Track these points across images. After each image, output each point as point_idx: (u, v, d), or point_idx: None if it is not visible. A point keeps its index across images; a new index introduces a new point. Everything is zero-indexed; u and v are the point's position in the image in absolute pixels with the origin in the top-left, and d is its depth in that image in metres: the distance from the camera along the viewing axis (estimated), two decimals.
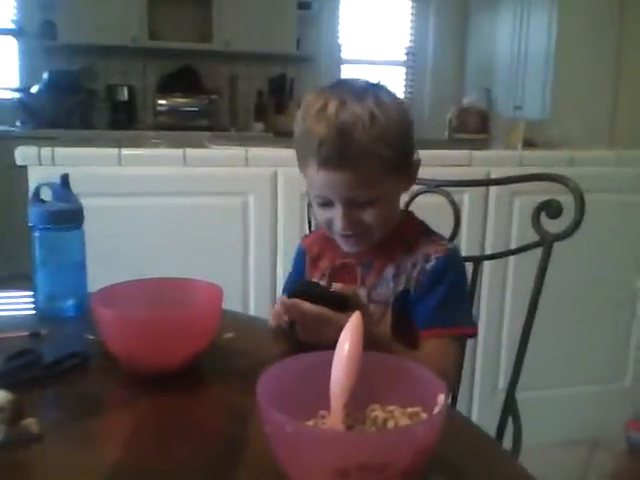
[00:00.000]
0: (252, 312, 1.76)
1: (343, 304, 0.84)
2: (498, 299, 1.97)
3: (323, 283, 0.99)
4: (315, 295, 0.84)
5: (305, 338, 0.85)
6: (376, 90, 0.93)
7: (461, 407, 1.93)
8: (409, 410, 0.56)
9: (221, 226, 1.79)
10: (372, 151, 0.89)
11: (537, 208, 1.03)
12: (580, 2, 3.60)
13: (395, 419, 0.56)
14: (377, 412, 0.58)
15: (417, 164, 0.98)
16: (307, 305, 0.83)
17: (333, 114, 0.88)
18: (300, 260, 1.11)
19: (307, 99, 0.95)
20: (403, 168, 0.95)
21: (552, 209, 1.01)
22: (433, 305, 0.94)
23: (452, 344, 0.95)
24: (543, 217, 1.04)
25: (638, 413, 2.07)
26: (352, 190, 0.91)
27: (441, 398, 0.52)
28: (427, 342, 0.93)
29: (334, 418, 0.55)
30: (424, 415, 0.54)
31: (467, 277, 1.06)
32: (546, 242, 1.02)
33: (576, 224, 0.97)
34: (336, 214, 0.94)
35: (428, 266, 0.96)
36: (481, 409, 2.00)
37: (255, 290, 1.82)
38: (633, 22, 3.56)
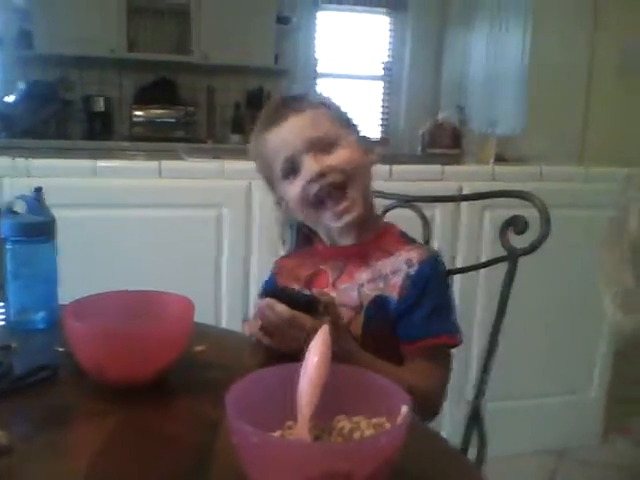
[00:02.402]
0: (224, 325, 1.76)
1: (315, 308, 0.83)
2: (469, 312, 1.99)
3: (303, 290, 0.97)
4: (288, 297, 0.84)
5: (273, 342, 0.84)
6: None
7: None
8: (374, 421, 0.58)
9: (195, 238, 1.79)
10: (318, 103, 1.00)
11: (504, 224, 1.06)
12: (553, 21, 3.68)
13: (361, 430, 0.58)
14: (343, 423, 0.59)
15: (373, 142, 1.08)
16: (280, 306, 0.82)
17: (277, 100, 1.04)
18: (271, 278, 1.11)
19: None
20: (352, 127, 1.02)
21: (518, 225, 1.04)
22: (424, 315, 0.93)
23: (443, 356, 0.96)
24: (511, 232, 1.07)
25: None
26: (311, 130, 0.95)
27: (404, 409, 0.54)
28: (415, 358, 0.93)
29: (300, 429, 0.57)
30: (388, 425, 0.56)
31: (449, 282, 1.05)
32: (512, 257, 1.05)
33: (540, 240, 1.00)
34: (305, 172, 0.95)
35: (411, 272, 0.94)
36: (451, 421, 2.01)
37: (228, 303, 1.82)
38: (604, 41, 3.66)
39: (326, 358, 0.59)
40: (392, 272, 0.96)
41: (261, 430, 0.51)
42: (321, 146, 0.95)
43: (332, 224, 0.99)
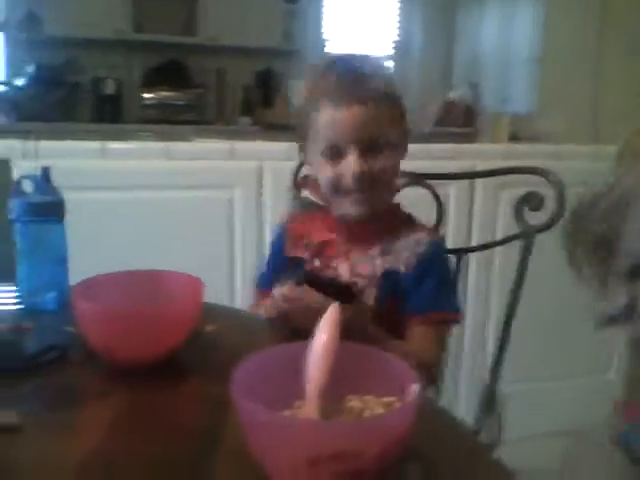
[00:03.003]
0: (238, 305, 1.75)
1: (348, 295, 0.85)
2: (484, 291, 1.98)
3: (308, 259, 1.01)
4: (324, 285, 0.85)
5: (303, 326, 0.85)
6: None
7: (446, 400, 1.96)
8: (384, 400, 0.57)
9: (207, 220, 1.78)
10: (387, 93, 0.94)
11: (519, 200, 1.04)
12: (564, 1, 3.63)
13: (371, 409, 0.57)
14: (353, 402, 0.58)
15: (409, 134, 1.02)
16: (316, 295, 0.84)
17: (342, 65, 0.94)
18: (279, 240, 1.11)
19: (309, 68, 1.02)
20: (404, 125, 0.99)
21: (533, 202, 1.02)
22: (428, 290, 0.97)
23: (442, 331, 0.99)
24: (526, 210, 1.05)
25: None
26: (371, 127, 0.92)
27: (414, 388, 0.53)
28: (418, 329, 0.96)
29: (309, 408, 0.56)
30: (398, 404, 0.55)
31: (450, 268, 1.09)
32: (528, 234, 1.03)
33: (557, 216, 0.98)
34: (347, 165, 0.94)
35: (419, 250, 0.98)
36: (467, 402, 2.01)
37: (241, 284, 1.82)
38: (615, 18, 3.61)
39: (335, 337, 0.58)
40: (402, 249, 0.99)
41: (269, 409, 0.51)
42: (370, 145, 0.94)
43: (350, 210, 1.00)
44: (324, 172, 0.98)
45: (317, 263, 1.01)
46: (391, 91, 0.95)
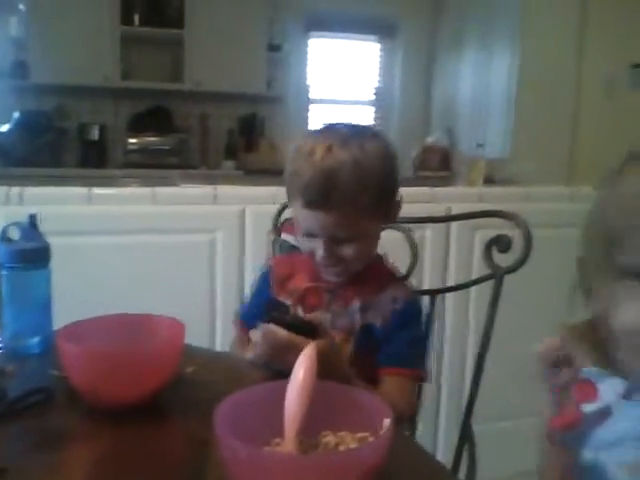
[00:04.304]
0: (219, 348, 1.77)
1: (314, 333, 0.88)
2: (461, 330, 2.01)
3: (290, 304, 1.04)
4: (288, 323, 0.89)
5: (275, 364, 0.88)
6: (362, 135, 0.99)
7: (426, 437, 1.96)
8: (359, 435, 0.60)
9: (189, 263, 1.81)
10: (353, 195, 0.94)
11: (488, 243, 1.09)
12: (540, 44, 3.76)
13: (346, 444, 0.60)
14: (329, 437, 0.61)
15: (398, 204, 1.05)
16: (281, 332, 0.88)
17: (319, 159, 0.95)
18: (264, 281, 1.15)
19: (298, 142, 1.01)
20: (383, 209, 1.01)
21: (502, 244, 1.06)
22: (401, 347, 1.00)
23: (411, 384, 1.02)
24: (496, 252, 1.10)
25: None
26: (333, 228, 0.97)
27: (386, 422, 0.56)
28: (389, 379, 0.99)
29: (287, 444, 0.58)
30: (372, 439, 0.58)
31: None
32: (497, 275, 1.07)
33: (523, 257, 1.02)
34: (318, 246, 0.99)
35: (397, 307, 1.02)
36: (446, 439, 2.02)
37: (222, 326, 1.83)
38: (591, 63, 3.73)
39: (312, 374, 0.61)
40: (380, 304, 1.03)
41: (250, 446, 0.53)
42: (338, 240, 0.99)
43: (326, 276, 1.05)
44: (302, 241, 1.03)
45: (300, 310, 1.04)
46: (370, 181, 0.96)
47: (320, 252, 0.99)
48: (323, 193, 0.94)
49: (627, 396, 0.60)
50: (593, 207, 0.68)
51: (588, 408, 0.61)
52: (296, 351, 0.83)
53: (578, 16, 3.74)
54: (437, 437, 2.04)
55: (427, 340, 1.12)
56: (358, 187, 0.94)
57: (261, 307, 0.97)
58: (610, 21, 3.58)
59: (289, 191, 1.01)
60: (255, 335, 0.92)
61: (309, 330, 0.88)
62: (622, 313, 0.59)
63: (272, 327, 0.88)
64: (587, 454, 0.61)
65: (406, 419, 1.04)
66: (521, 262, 1.03)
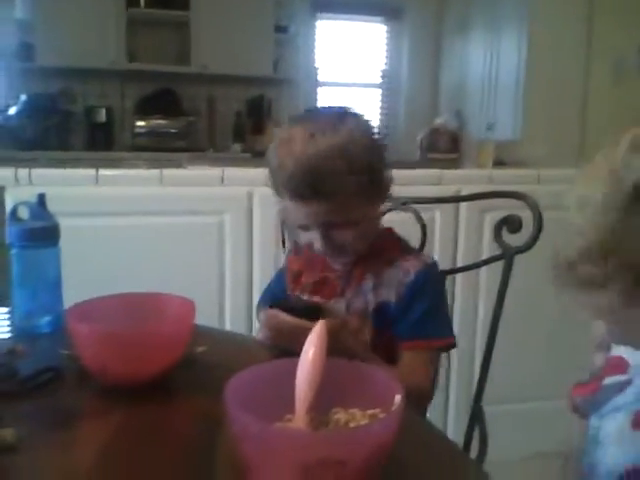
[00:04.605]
0: (228, 328, 1.78)
1: (318, 315, 0.87)
2: (471, 312, 2.01)
3: (305, 297, 1.04)
4: (291, 306, 0.90)
5: (281, 345, 0.89)
6: (344, 119, 0.96)
7: (436, 419, 1.97)
8: (369, 412, 0.60)
9: (197, 245, 1.81)
10: (340, 182, 0.93)
11: (498, 223, 1.08)
12: (549, 26, 3.72)
13: (356, 421, 0.60)
14: (340, 415, 0.61)
15: (389, 182, 1.02)
16: (284, 316, 0.89)
17: (301, 149, 0.92)
18: (282, 275, 1.16)
19: (278, 132, 0.99)
20: (374, 190, 0.99)
21: (512, 224, 1.06)
22: (415, 318, 0.99)
23: (430, 356, 1.01)
24: (505, 232, 1.09)
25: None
26: (327, 216, 0.95)
27: (397, 399, 0.56)
28: (407, 354, 0.98)
29: (298, 421, 0.58)
30: (382, 416, 0.58)
31: (445, 290, 1.11)
32: (507, 255, 1.07)
33: (534, 237, 1.02)
34: (315, 237, 0.98)
35: (408, 280, 1.00)
36: (456, 421, 2.03)
37: (231, 307, 1.84)
38: (600, 46, 3.69)
39: (322, 352, 0.61)
40: (392, 280, 1.02)
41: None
42: (335, 226, 0.98)
43: (332, 263, 1.05)
44: (299, 234, 1.03)
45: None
46: (355, 165, 0.93)
47: (318, 243, 0.99)
48: (309, 184, 0.92)
49: None
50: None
51: (612, 380, 0.61)
52: (302, 332, 0.84)
53: None
54: (447, 419, 2.04)
55: (445, 306, 1.07)
56: (344, 173, 0.92)
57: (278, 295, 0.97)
58: (619, 4, 3.53)
59: (274, 185, 0.99)
60: (262, 318, 0.92)
61: (312, 311, 0.89)
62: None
63: (274, 311, 0.89)
64: (594, 421, 0.62)
65: (427, 392, 1.01)
66: (532, 242, 1.02)
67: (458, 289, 1.98)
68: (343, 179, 0.92)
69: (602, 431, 0.61)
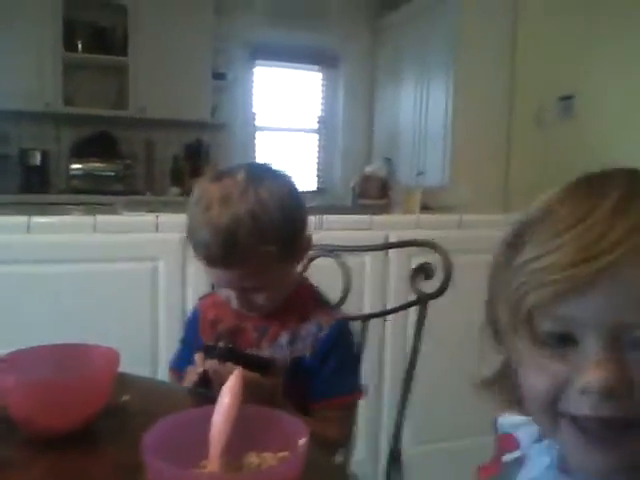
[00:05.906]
0: (161, 376, 1.78)
1: (267, 369, 0.93)
2: (398, 355, 2.06)
3: (221, 345, 1.03)
4: (242, 359, 0.92)
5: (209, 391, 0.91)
6: (260, 181, 0.97)
7: (367, 466, 1.98)
8: (279, 455, 0.64)
9: (131, 291, 1.81)
10: (254, 249, 0.95)
11: (413, 270, 1.16)
12: (473, 76, 3.94)
13: (267, 463, 0.64)
14: (252, 458, 0.65)
15: (307, 243, 1.05)
16: (245, 372, 0.88)
17: (216, 215, 0.94)
18: (194, 321, 1.16)
19: (194, 193, 1.00)
20: (289, 254, 1.02)
21: (426, 271, 1.13)
22: (327, 374, 1.02)
23: (341, 412, 1.05)
24: (422, 279, 1.17)
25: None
26: (240, 282, 0.99)
27: (301, 441, 0.61)
28: (319, 412, 1.02)
29: (212, 465, 0.62)
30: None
31: (355, 343, 1.15)
32: (422, 301, 1.14)
33: (444, 284, 1.09)
34: (232, 295, 1.02)
35: (322, 335, 1.03)
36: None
37: (165, 354, 1.84)
38: (522, 94, 3.92)
39: (236, 401, 0.65)
40: (306, 334, 1.05)
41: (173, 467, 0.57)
42: (248, 289, 1.01)
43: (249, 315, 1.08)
44: (216, 286, 1.07)
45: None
46: (270, 232, 0.95)
47: (234, 302, 1.03)
48: (223, 252, 0.94)
49: (537, 440, 0.60)
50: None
51: (509, 457, 0.62)
52: (259, 388, 0.88)
53: (509, 50, 3.95)
54: (378, 462, 2.07)
55: (356, 359, 1.12)
56: (258, 240, 0.94)
57: (193, 352, 0.99)
58: (540, 54, 3.78)
59: (191, 245, 1.00)
60: (199, 360, 0.95)
61: (263, 366, 0.93)
62: (530, 378, 0.53)
63: (230, 366, 0.90)
64: None
65: (343, 446, 1.06)
66: (443, 288, 1.10)
67: (388, 331, 2.04)
68: (256, 246, 0.94)
69: None
